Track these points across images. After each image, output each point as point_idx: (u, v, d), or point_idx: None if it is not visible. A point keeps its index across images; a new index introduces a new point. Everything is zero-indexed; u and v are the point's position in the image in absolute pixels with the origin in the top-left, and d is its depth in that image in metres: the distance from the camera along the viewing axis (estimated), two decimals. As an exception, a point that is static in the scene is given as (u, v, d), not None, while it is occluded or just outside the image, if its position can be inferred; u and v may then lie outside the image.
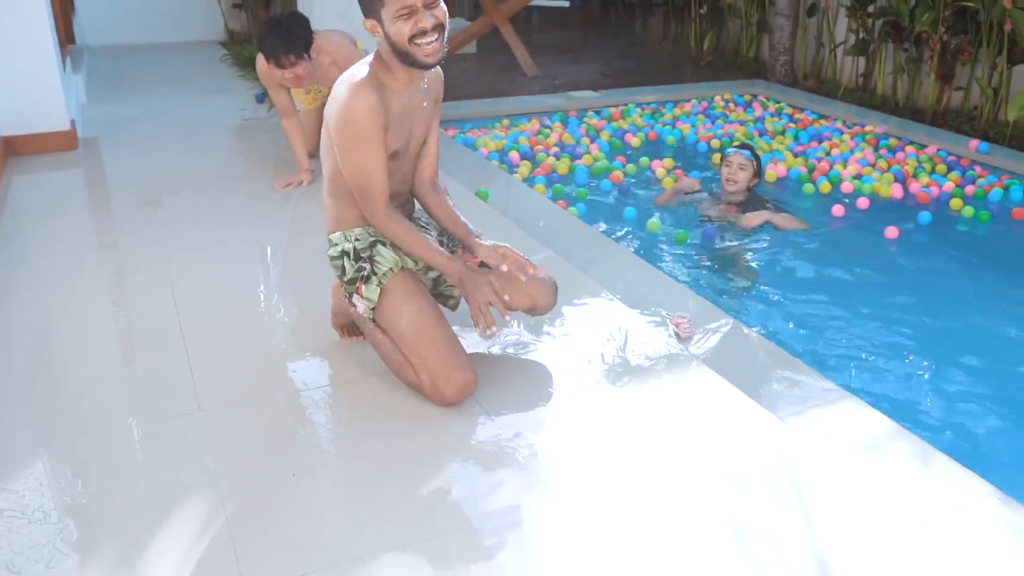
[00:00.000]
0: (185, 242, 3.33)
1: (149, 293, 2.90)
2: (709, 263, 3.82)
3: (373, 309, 2.25)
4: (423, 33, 2.11)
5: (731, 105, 6.57)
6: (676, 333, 2.81)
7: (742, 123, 6.05)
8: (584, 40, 9.02)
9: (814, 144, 5.56)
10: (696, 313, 2.93)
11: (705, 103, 6.56)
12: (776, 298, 3.50)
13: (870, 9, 6.54)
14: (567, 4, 8.67)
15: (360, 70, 2.19)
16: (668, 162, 5.01)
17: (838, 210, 4.36)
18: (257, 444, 2.10)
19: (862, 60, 6.83)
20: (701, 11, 8.22)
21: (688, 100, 6.59)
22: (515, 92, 6.65)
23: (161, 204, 3.77)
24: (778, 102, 6.70)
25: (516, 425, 2.19)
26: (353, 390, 2.34)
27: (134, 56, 7.71)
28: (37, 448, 2.07)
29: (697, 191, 4.43)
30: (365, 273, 2.25)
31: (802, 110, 6.42)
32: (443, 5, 2.19)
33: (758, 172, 4.23)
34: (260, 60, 3.74)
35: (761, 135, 5.79)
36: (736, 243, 3.97)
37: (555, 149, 5.31)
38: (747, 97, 6.81)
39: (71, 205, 3.81)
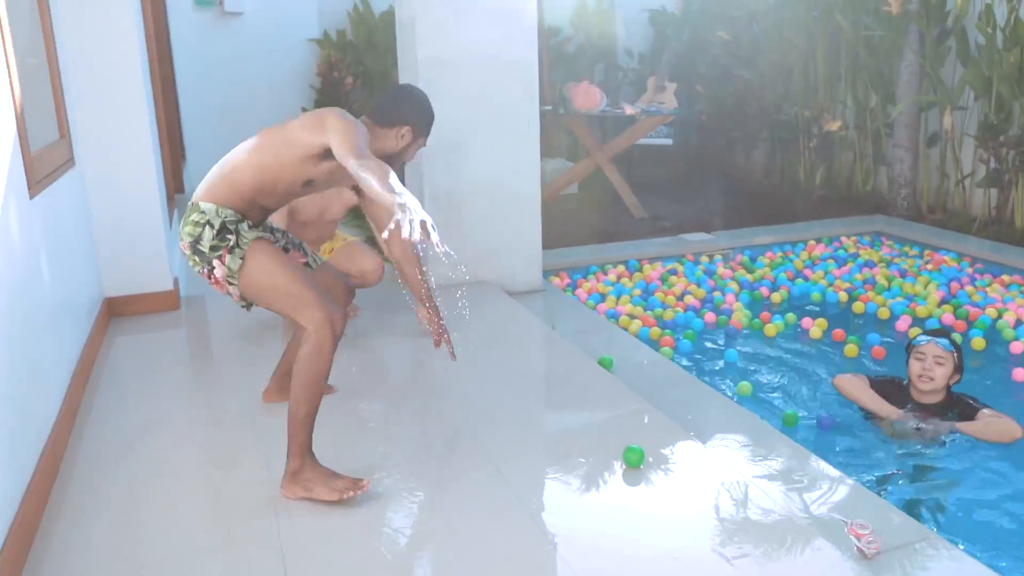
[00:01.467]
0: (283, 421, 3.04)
1: (246, 495, 2.59)
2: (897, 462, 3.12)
3: (233, 276, 2.49)
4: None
5: (859, 245, 6.15)
6: (859, 548, 2.33)
7: (873, 265, 5.62)
8: (688, 177, 8.77)
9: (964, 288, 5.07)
10: (874, 520, 2.45)
11: (835, 243, 6.18)
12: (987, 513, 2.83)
13: (1001, 138, 6.12)
14: (669, 142, 8.47)
15: None
16: (821, 322, 4.47)
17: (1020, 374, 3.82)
18: None
19: (994, 191, 6.35)
20: (811, 144, 7.91)
21: (808, 241, 6.20)
22: (622, 235, 6.37)
23: (260, 374, 3.52)
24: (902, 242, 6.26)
25: None
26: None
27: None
28: None
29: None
30: (230, 243, 2.48)
31: (935, 249, 5.94)
32: None
33: (960, 366, 3.39)
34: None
35: (903, 275, 5.34)
36: (923, 451, 3.18)
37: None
38: (867, 238, 6.39)
39: (169, 374, 3.60)
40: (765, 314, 4.60)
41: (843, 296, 4.98)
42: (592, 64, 9.08)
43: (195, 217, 2.53)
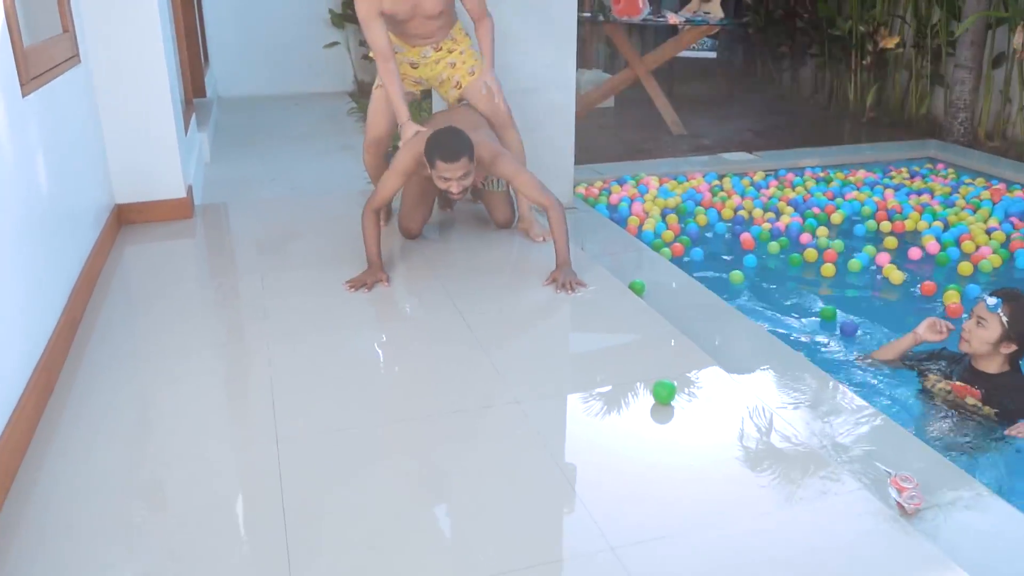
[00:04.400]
0: (295, 344, 2.88)
1: (252, 418, 2.43)
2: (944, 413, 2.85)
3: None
4: (450, 192, 3.32)
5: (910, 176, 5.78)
6: (899, 503, 2.14)
7: (920, 192, 5.29)
8: (730, 94, 8.36)
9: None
10: (920, 471, 2.26)
11: (887, 171, 5.80)
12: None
13: (1074, 61, 5.68)
14: (714, 55, 8.04)
15: None
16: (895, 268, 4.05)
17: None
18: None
19: (1062, 119, 5.95)
20: (864, 63, 7.44)
21: (855, 167, 5.84)
22: (660, 152, 6.07)
23: (273, 290, 3.35)
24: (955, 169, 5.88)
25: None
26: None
27: (263, 108, 7.59)
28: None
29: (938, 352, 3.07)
30: None
31: (990, 178, 5.58)
32: (471, 177, 3.31)
33: (1014, 337, 2.77)
34: None
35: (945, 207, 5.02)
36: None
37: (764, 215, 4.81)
38: (924, 165, 6.01)
39: (178, 286, 3.43)
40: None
41: (881, 224, 4.71)
42: (635, -30, 8.58)
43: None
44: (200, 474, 2.18)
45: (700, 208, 4.93)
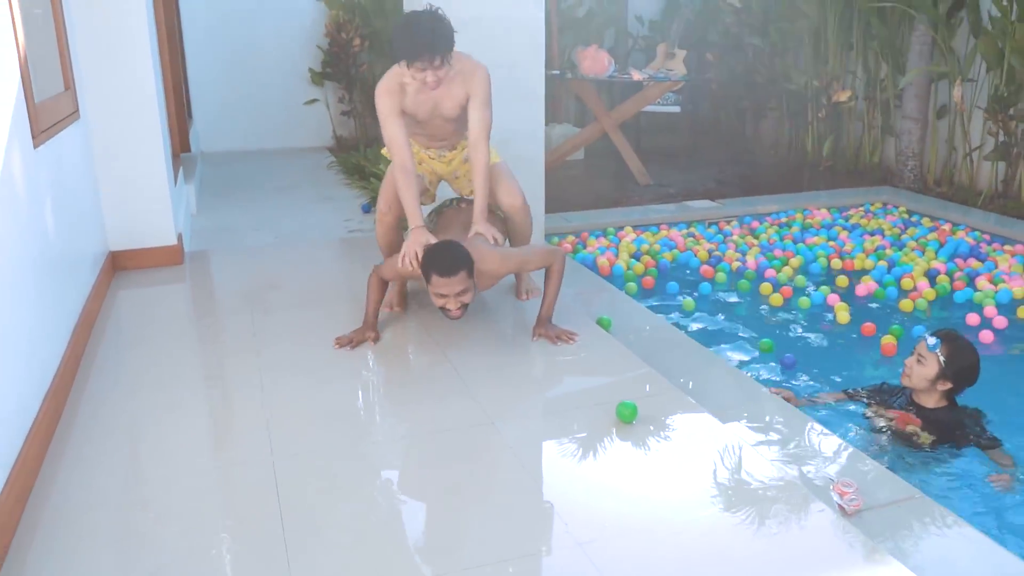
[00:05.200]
0: (285, 376, 3.09)
1: (246, 439, 2.63)
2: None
3: None
4: (447, 310, 3.14)
5: (866, 215, 6.16)
6: (840, 505, 2.37)
7: (875, 232, 5.63)
8: (695, 146, 8.74)
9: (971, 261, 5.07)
10: (861, 479, 2.49)
11: (842, 213, 6.19)
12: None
13: (1011, 111, 6.07)
14: (678, 109, 8.43)
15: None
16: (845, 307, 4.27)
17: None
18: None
19: (1002, 165, 6.32)
20: (819, 115, 7.86)
21: (813, 210, 6.20)
22: (627, 201, 6.38)
23: (262, 329, 3.56)
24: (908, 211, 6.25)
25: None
26: None
27: (245, 162, 7.83)
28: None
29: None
30: None
31: (937, 219, 5.95)
32: (470, 293, 3.14)
33: (949, 376, 3.02)
34: (387, 79, 3.33)
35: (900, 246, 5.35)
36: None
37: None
38: (875, 206, 6.39)
39: (170, 328, 3.63)
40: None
41: (832, 262, 5.06)
42: (602, 29, 9.02)
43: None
44: (197, 488, 2.37)
45: (676, 251, 5.23)
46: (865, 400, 3.27)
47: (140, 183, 4.31)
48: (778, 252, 5.23)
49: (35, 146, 2.93)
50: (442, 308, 3.14)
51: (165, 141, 4.48)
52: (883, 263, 4.96)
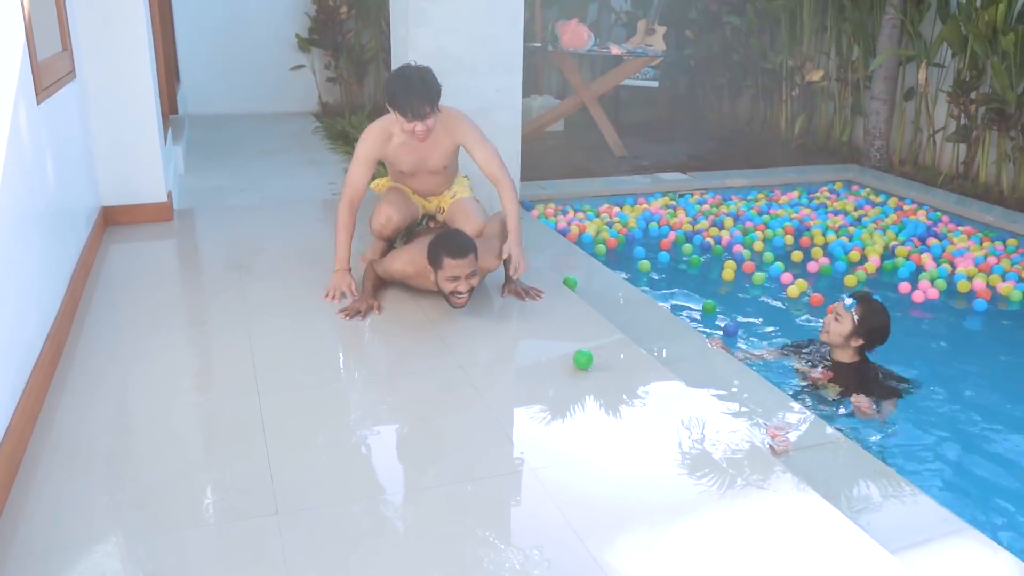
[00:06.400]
0: (270, 323, 3.32)
1: (233, 378, 2.87)
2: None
3: None
4: (459, 294, 3.29)
5: (831, 195, 6.45)
6: (771, 446, 2.64)
7: (839, 212, 5.90)
8: (671, 120, 8.98)
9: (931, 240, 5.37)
10: (795, 424, 2.77)
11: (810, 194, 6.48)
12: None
13: (972, 95, 6.34)
14: (655, 84, 8.64)
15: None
16: (802, 283, 4.54)
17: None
18: (333, 554, 2.01)
19: (963, 147, 6.60)
20: (793, 94, 8.10)
21: (783, 187, 6.47)
22: (602, 172, 6.61)
23: (248, 282, 3.78)
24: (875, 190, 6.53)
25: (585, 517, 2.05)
26: (432, 496, 2.24)
27: (233, 125, 7.97)
28: (111, 544, 2.03)
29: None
30: None
31: (901, 198, 6.23)
32: (477, 276, 3.35)
33: (862, 334, 3.33)
34: (376, 125, 3.54)
35: (857, 223, 5.62)
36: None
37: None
38: (838, 185, 6.67)
39: (162, 277, 3.86)
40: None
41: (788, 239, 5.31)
42: (586, 4, 9.19)
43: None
44: (186, 418, 2.61)
45: (655, 224, 5.46)
46: (793, 355, 3.61)
47: (132, 141, 4.49)
48: (748, 224, 5.48)
49: (38, 103, 3.12)
50: (451, 294, 3.27)
51: (156, 101, 4.67)
52: (844, 238, 5.22)
